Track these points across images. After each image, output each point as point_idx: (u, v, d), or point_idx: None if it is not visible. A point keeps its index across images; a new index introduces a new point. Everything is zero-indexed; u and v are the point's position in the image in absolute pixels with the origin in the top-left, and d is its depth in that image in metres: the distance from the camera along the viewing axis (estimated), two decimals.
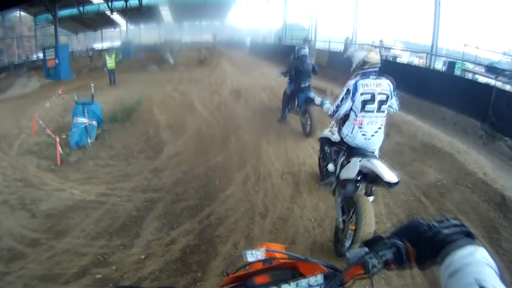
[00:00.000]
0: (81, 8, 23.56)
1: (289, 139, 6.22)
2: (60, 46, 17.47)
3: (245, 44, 26.07)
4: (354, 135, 3.03)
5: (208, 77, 13.62)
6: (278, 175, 4.98)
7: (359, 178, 2.93)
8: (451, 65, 9.45)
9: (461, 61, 9.63)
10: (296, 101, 6.48)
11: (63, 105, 9.34)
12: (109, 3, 23.90)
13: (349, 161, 3.02)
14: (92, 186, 5.28)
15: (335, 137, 3.39)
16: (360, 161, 2.82)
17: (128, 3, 25.13)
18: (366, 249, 0.85)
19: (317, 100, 4.15)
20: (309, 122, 6.17)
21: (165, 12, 30.20)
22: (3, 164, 6.35)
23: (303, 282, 0.87)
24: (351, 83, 2.98)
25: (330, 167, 3.39)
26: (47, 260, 3.58)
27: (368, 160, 2.78)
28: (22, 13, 21.41)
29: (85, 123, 6.76)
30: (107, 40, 30.49)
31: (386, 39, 14.19)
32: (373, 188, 3.18)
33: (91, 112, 6.93)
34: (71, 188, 5.26)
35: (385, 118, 3.04)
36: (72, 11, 23.54)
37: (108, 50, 16.92)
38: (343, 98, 3.01)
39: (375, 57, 3.00)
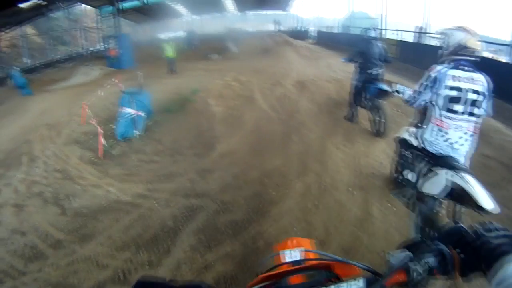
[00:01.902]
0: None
1: (358, 141, 5.77)
2: (122, 36, 18.97)
3: (310, 34, 27.07)
4: (437, 141, 2.84)
5: (271, 66, 13.56)
6: (344, 188, 4.42)
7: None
8: None
9: None
10: (365, 94, 6.11)
11: (116, 93, 9.79)
12: None
13: (432, 171, 2.78)
14: (130, 184, 5.11)
15: (415, 141, 3.13)
16: (449, 175, 2.56)
17: None
18: (410, 254, 0.85)
19: (393, 86, 3.68)
20: (382, 121, 5.72)
21: (228, 2, 31.50)
22: (47, 153, 6.75)
23: (344, 285, 0.86)
24: (437, 69, 2.76)
25: (409, 175, 3.18)
26: (65, 266, 3.54)
27: (459, 176, 2.49)
28: (86, 6, 24.32)
29: (131, 114, 6.77)
30: (172, 30, 32.95)
31: None
32: (459, 210, 2.79)
33: (138, 102, 6.93)
34: (108, 185, 5.19)
35: (477, 124, 2.77)
36: (135, 2, 25.78)
37: (167, 40, 18.12)
38: (425, 85, 2.82)
39: (476, 43, 2.71)
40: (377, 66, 5.92)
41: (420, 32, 13.49)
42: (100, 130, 6.53)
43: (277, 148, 5.82)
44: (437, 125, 2.81)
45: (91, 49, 25.95)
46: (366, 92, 6.04)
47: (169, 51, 14.86)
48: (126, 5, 24.46)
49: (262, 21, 37.63)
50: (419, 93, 2.87)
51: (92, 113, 8.13)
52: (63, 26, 25.44)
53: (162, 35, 28.69)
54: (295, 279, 1.02)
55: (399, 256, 0.85)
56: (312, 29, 27.49)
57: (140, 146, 6.52)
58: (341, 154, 5.37)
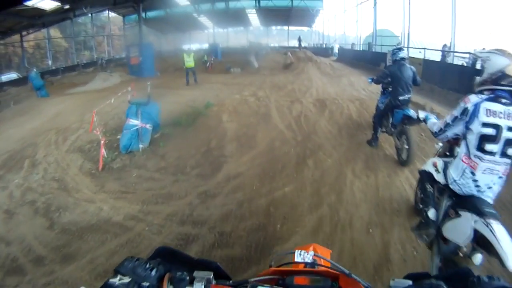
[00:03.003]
0: (168, 10, 26.12)
1: (381, 170, 5.24)
2: (144, 45, 19.22)
3: (332, 51, 27.37)
4: (464, 182, 2.52)
5: (291, 82, 13.33)
6: (362, 225, 3.91)
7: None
8: None
9: None
10: (390, 119, 5.67)
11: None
12: (196, 5, 25.95)
13: (457, 213, 2.52)
14: (124, 203, 4.77)
15: (440, 177, 2.85)
16: (474, 222, 2.31)
17: (214, 6, 27.02)
18: (410, 283, 0.89)
19: (421, 114, 3.41)
20: (407, 147, 5.21)
21: (253, 16, 32.17)
22: (49, 159, 6.63)
23: None
24: (472, 100, 2.41)
25: (431, 213, 2.88)
26: (41, 287, 3.38)
27: (485, 223, 2.23)
28: (112, 13, 25.03)
29: (137, 126, 6.47)
30: (196, 42, 33.58)
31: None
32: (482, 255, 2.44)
33: (145, 114, 6.64)
34: (101, 201, 4.90)
35: (509, 165, 2.44)
36: (160, 12, 26.37)
37: (186, 50, 18.32)
38: (456, 117, 2.53)
39: None
40: (406, 91, 5.43)
41: (446, 51, 12.97)
42: (102, 141, 6.28)
43: (289, 173, 5.36)
44: (465, 163, 2.51)
45: (115, 56, 26.52)
46: (392, 117, 5.61)
47: (189, 61, 14.67)
48: (151, 14, 25.03)
49: (285, 36, 38.26)
50: (449, 125, 2.60)
51: (102, 121, 8.03)
52: (89, 32, 26.14)
53: (186, 46, 29.13)
54: (301, 280, 1.05)
55: (400, 284, 0.90)
56: (335, 46, 27.56)
57: (142, 161, 6.19)
58: (360, 183, 4.87)
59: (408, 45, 16.77)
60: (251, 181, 5.15)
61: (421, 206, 3.26)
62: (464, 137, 2.52)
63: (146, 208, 4.63)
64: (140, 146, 6.49)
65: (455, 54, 12.65)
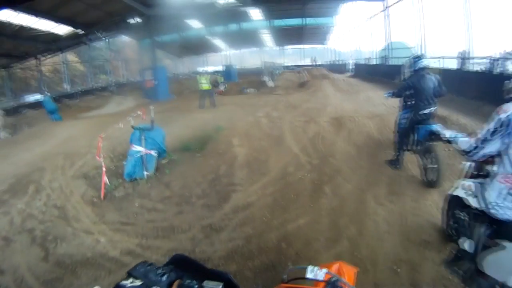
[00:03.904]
0: (182, 33, 26.84)
1: (405, 194, 4.78)
2: (158, 68, 19.48)
3: (347, 67, 27.85)
4: (505, 205, 2.25)
5: (307, 101, 13.10)
6: (386, 263, 3.45)
7: None
8: None
9: None
10: (414, 136, 5.23)
11: None
12: (209, 28, 26.61)
13: (497, 243, 2.26)
14: (123, 236, 4.48)
15: (475, 201, 2.56)
16: None
17: (227, 28, 27.74)
18: None
19: (447, 133, 3.11)
20: (434, 166, 4.73)
21: (266, 36, 32.93)
22: (54, 185, 6.49)
23: None
24: (507, 109, 2.20)
25: (465, 244, 2.62)
26: None
27: None
28: (127, 38, 25.88)
29: (141, 152, 6.23)
30: (212, 64, 34.32)
31: None
32: None
33: (149, 139, 6.39)
34: (100, 233, 4.64)
35: None
36: (174, 36, 27.11)
37: (200, 72, 18.50)
38: (492, 131, 2.28)
39: None
40: (430, 104, 4.97)
41: (464, 58, 12.38)
42: (104, 168, 6.07)
43: (304, 203, 4.94)
44: (507, 183, 2.26)
45: (131, 80, 27.15)
46: (415, 134, 5.17)
47: (204, 84, 14.40)
48: (166, 38, 25.66)
49: (299, 55, 39.10)
50: (485, 141, 2.35)
51: (110, 146, 7.91)
52: (105, 56, 26.93)
53: (201, 68, 29.64)
54: None
55: None
56: (350, 62, 27.88)
57: (146, 189, 5.90)
58: (384, 211, 4.42)
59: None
60: (261, 213, 4.78)
61: (453, 235, 3.01)
62: (503, 153, 2.29)
63: (145, 242, 4.32)
64: (145, 173, 6.21)
65: (473, 60, 12.16)
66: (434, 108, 5.02)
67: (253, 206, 5.01)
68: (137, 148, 6.22)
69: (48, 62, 22.94)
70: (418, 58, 5.17)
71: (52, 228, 4.92)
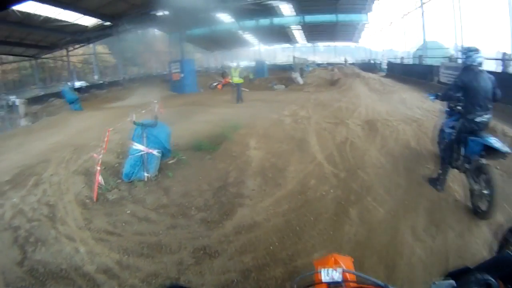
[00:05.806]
0: (212, 27, 26.64)
1: (449, 227, 3.88)
2: (185, 61, 19.37)
3: (381, 66, 27.00)
4: None
5: (337, 100, 12.35)
6: None
7: None
8: None
9: None
10: (463, 150, 4.29)
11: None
12: (240, 23, 26.35)
13: None
14: (104, 248, 3.94)
15: None
16: None
17: (259, 22, 27.51)
18: (454, 283, 0.86)
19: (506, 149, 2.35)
20: (486, 192, 3.82)
21: (298, 33, 32.54)
22: (54, 180, 6.20)
23: None
24: None
25: None
26: None
27: None
28: (158, 31, 26.14)
29: (141, 151, 5.71)
30: (243, 59, 34.49)
31: None
32: None
33: (152, 137, 5.85)
34: (81, 241, 4.14)
35: None
36: (205, 30, 27.19)
37: (235, 66, 18.37)
38: None
39: None
40: (485, 109, 4.07)
41: (506, 59, 11.00)
42: (98, 167, 5.60)
43: (323, 229, 4.06)
44: None
45: (162, 72, 27.43)
46: (464, 147, 4.26)
47: (235, 76, 14.28)
48: (196, 31, 25.69)
49: (331, 53, 39.20)
50: None
51: (120, 140, 7.60)
52: (136, 49, 27.31)
53: (232, 63, 29.61)
54: None
55: (443, 285, 0.87)
56: (383, 61, 27.20)
57: (143, 194, 5.35)
58: (422, 251, 3.51)
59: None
60: (269, 238, 3.97)
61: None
62: None
63: (126, 259, 3.73)
64: (145, 174, 5.67)
65: None
66: (489, 116, 4.14)
67: (259, 228, 4.22)
68: (137, 146, 5.70)
69: (78, 53, 23.52)
70: (473, 51, 4.19)
71: (37, 229, 4.58)
